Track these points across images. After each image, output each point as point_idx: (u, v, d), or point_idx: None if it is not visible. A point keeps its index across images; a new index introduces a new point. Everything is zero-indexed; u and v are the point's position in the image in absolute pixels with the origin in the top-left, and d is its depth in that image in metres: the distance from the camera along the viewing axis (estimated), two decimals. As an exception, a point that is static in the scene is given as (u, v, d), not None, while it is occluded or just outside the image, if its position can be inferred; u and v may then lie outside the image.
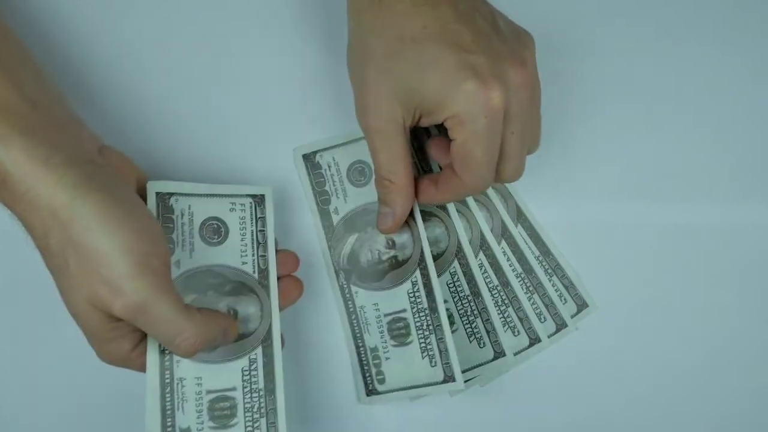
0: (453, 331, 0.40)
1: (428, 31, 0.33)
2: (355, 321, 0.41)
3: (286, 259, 0.39)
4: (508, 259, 0.43)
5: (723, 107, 0.45)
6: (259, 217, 0.38)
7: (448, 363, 0.39)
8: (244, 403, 0.36)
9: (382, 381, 0.40)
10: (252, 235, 0.38)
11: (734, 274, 0.44)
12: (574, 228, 0.44)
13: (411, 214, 0.40)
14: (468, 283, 0.42)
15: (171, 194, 0.37)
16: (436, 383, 0.39)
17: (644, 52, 0.45)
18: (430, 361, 0.39)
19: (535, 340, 0.42)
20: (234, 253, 0.38)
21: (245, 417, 0.36)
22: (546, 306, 0.43)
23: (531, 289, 0.43)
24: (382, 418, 0.42)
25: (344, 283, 0.41)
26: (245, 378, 0.36)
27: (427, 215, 0.42)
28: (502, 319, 0.42)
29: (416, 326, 0.40)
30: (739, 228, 0.43)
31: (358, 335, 0.41)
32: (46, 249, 0.31)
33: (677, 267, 0.44)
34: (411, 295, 0.40)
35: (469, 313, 0.42)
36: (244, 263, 0.38)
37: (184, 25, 0.43)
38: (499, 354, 0.42)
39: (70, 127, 0.34)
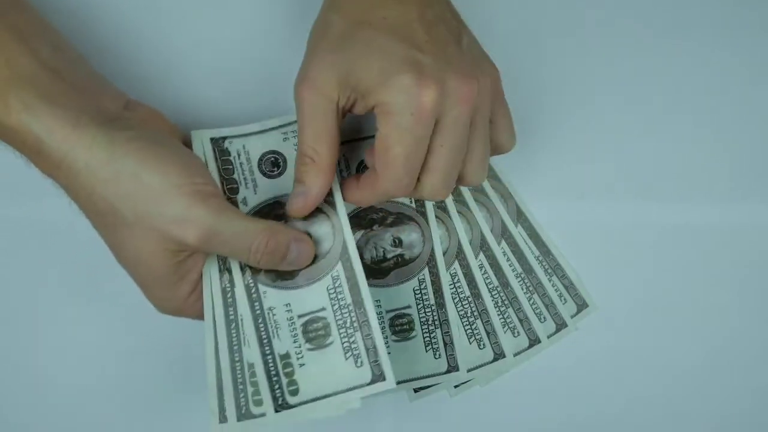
0: (412, 337, 0.40)
1: (387, 21, 0.33)
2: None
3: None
4: (508, 260, 0.43)
5: (723, 107, 0.45)
6: None
7: (452, 355, 0.39)
8: (336, 320, 0.36)
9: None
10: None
11: (734, 274, 0.44)
12: (574, 228, 0.44)
13: (424, 214, 0.41)
14: (468, 285, 0.43)
15: (224, 138, 0.39)
16: (440, 373, 0.40)
17: (644, 52, 0.45)
18: (435, 354, 0.40)
19: (535, 341, 0.42)
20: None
21: (340, 333, 0.36)
22: (546, 306, 0.43)
23: (531, 289, 0.43)
24: (382, 417, 0.42)
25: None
26: (332, 296, 0.37)
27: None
28: (502, 320, 0.42)
29: (421, 321, 0.40)
30: (739, 228, 0.43)
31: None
32: (93, 211, 0.32)
33: (677, 267, 0.44)
34: (417, 292, 0.40)
35: (469, 315, 0.42)
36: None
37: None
38: (499, 355, 0.42)
39: (93, 87, 0.34)
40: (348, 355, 0.37)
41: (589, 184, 0.44)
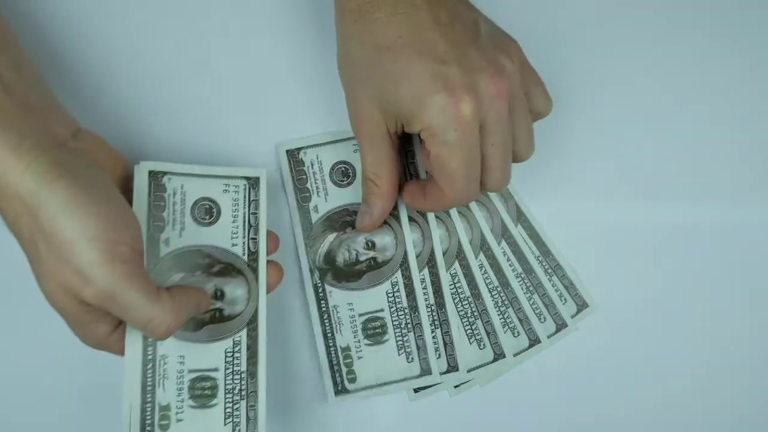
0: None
1: (403, 41, 0.33)
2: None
3: (269, 240, 0.39)
4: (508, 260, 0.43)
5: (723, 107, 0.45)
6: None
7: (425, 359, 0.40)
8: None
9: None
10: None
11: (734, 274, 0.44)
12: (574, 228, 0.44)
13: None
14: (468, 285, 0.43)
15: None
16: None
17: (644, 51, 0.45)
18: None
19: (535, 341, 0.43)
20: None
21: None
22: (546, 306, 0.43)
23: (531, 289, 0.43)
24: (381, 418, 0.42)
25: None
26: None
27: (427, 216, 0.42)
28: (502, 320, 0.43)
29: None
30: (739, 228, 0.43)
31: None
32: (19, 235, 0.32)
33: (677, 267, 0.44)
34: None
35: (469, 315, 0.42)
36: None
37: (179, 9, 0.43)
38: (499, 355, 0.42)
39: (43, 111, 0.34)
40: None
41: (589, 184, 0.44)
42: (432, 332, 0.41)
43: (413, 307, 0.41)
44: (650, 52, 0.45)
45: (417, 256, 0.42)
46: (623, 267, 0.44)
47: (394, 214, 0.41)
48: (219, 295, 0.37)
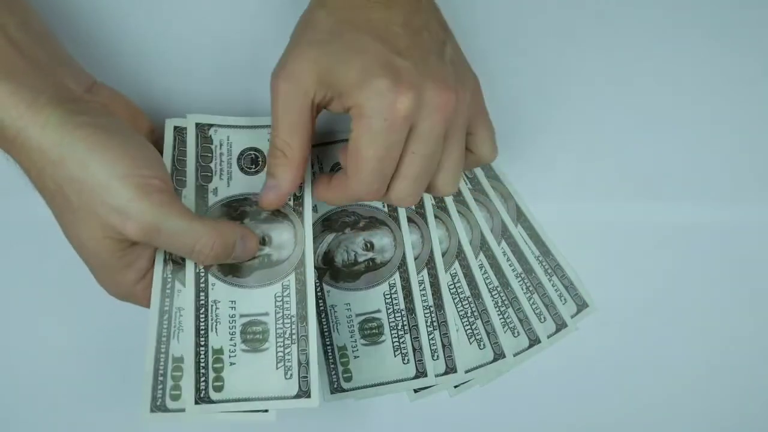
0: (381, 342, 0.41)
1: (371, 24, 0.33)
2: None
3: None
4: (508, 260, 0.43)
5: (723, 107, 0.45)
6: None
7: (421, 360, 0.40)
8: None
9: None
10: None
11: (734, 274, 0.44)
12: (574, 228, 0.44)
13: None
14: (468, 285, 0.43)
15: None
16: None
17: (644, 51, 0.45)
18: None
19: (535, 341, 0.43)
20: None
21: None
22: (546, 306, 0.43)
23: (531, 289, 0.43)
24: (382, 418, 0.42)
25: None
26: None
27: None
28: (502, 320, 0.43)
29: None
30: (739, 228, 0.43)
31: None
32: (44, 189, 0.32)
33: (677, 267, 0.44)
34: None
35: (469, 315, 0.42)
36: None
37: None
38: (499, 355, 0.42)
39: (56, 67, 0.34)
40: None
41: (589, 184, 0.44)
42: (429, 334, 0.41)
43: (410, 309, 0.41)
44: (650, 52, 0.45)
45: (416, 258, 0.42)
46: (623, 267, 0.44)
47: (393, 215, 0.41)
48: (266, 240, 0.38)
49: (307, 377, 0.36)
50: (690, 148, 0.45)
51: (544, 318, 0.43)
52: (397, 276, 0.41)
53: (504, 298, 0.43)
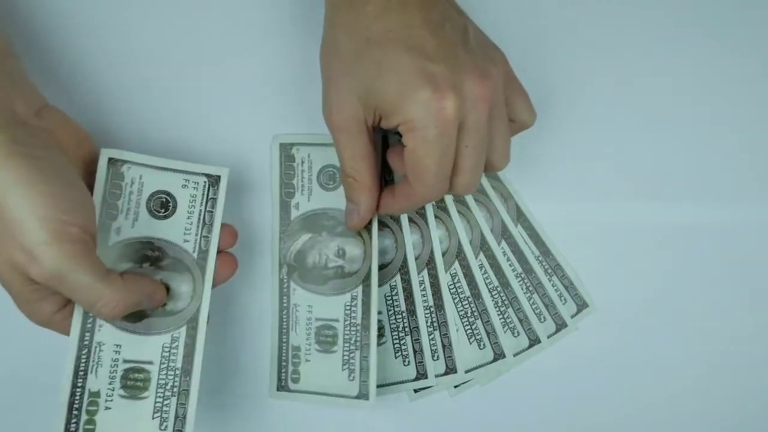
0: (381, 344, 0.41)
1: (393, 35, 0.33)
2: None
3: (225, 233, 0.39)
4: (508, 260, 0.43)
5: (723, 107, 0.45)
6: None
7: (365, 381, 0.39)
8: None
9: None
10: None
11: (734, 274, 0.44)
12: (574, 228, 0.44)
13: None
14: (468, 285, 0.43)
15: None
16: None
17: (644, 51, 0.45)
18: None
19: (535, 341, 0.43)
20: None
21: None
22: (546, 306, 0.43)
23: (531, 289, 0.43)
24: (381, 418, 0.42)
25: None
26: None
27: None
28: (502, 320, 0.43)
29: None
30: (739, 228, 0.43)
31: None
32: None
33: (677, 267, 0.44)
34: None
35: (469, 315, 0.42)
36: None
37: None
38: (499, 355, 0.42)
39: (7, 86, 0.34)
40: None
41: (589, 184, 0.44)
42: (430, 334, 0.41)
43: (411, 311, 0.41)
44: (651, 52, 0.45)
45: (416, 258, 0.42)
46: (623, 267, 0.44)
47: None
48: (341, 253, 0.40)
49: (366, 381, 0.38)
50: (690, 148, 0.45)
51: (544, 318, 0.43)
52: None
53: (504, 298, 0.43)
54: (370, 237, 0.41)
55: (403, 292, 0.41)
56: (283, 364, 0.40)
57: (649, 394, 0.43)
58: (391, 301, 0.41)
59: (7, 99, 0.33)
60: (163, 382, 0.36)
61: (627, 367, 0.43)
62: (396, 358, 0.41)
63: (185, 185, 0.38)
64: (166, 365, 0.36)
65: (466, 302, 0.43)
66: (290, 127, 0.43)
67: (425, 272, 0.42)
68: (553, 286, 0.44)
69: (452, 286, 0.43)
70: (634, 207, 0.44)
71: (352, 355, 0.40)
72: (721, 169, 0.45)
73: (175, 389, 0.36)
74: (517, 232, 0.44)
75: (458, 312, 0.43)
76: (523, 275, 0.43)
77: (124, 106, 0.42)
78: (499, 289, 0.43)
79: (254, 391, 0.42)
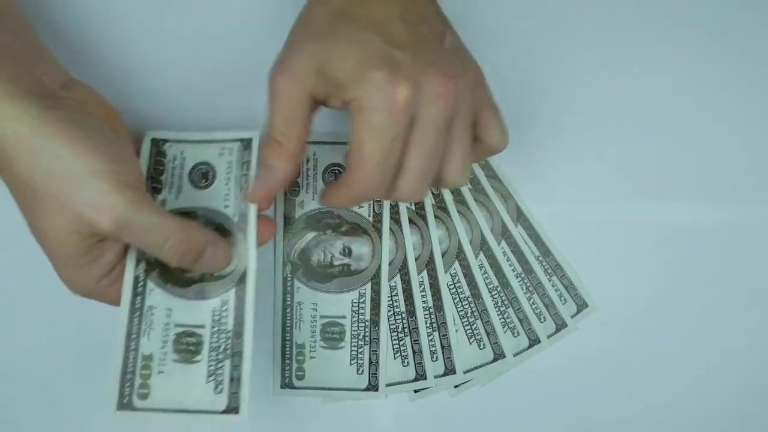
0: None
1: (370, 17, 0.33)
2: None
3: (265, 227, 0.39)
4: (508, 260, 0.43)
5: (723, 107, 0.45)
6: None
7: (375, 374, 0.40)
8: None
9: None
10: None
11: (734, 274, 0.44)
12: (574, 228, 0.44)
13: (378, 228, 0.41)
14: (468, 285, 0.43)
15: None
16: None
17: (644, 51, 0.45)
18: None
19: (534, 341, 0.43)
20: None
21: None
22: (546, 306, 0.43)
23: (531, 289, 0.43)
24: (381, 417, 0.42)
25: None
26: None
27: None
28: (502, 320, 0.43)
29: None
30: (739, 228, 0.43)
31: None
32: (11, 179, 0.32)
33: (677, 267, 0.44)
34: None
35: (469, 315, 0.42)
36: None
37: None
38: (499, 355, 0.42)
39: (32, 61, 0.34)
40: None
41: (589, 184, 0.44)
42: (429, 335, 0.41)
43: (411, 312, 0.41)
44: (650, 52, 0.45)
45: (416, 259, 0.42)
46: (623, 267, 0.44)
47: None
48: (347, 252, 0.40)
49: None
50: (690, 148, 0.45)
51: (544, 318, 0.43)
52: (368, 287, 0.41)
53: (504, 298, 0.43)
54: (379, 236, 0.41)
55: (403, 293, 0.41)
56: (287, 361, 0.41)
57: (649, 394, 0.43)
58: (390, 302, 0.41)
59: (36, 72, 0.34)
60: (215, 345, 0.36)
61: (627, 367, 0.43)
62: (395, 358, 0.41)
63: (222, 153, 0.39)
64: (217, 328, 0.36)
65: (466, 302, 0.43)
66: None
67: (425, 273, 0.42)
68: (553, 286, 0.44)
69: (452, 286, 0.43)
70: (634, 207, 0.44)
71: (360, 350, 0.40)
72: (721, 169, 0.45)
73: (227, 352, 0.36)
74: (517, 232, 0.44)
75: (458, 312, 0.43)
76: (523, 275, 0.43)
77: (137, 87, 0.43)
78: (499, 289, 0.43)
79: (257, 389, 0.41)
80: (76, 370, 0.42)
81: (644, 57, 0.45)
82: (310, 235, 0.42)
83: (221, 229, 0.38)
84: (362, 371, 0.40)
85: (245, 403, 0.35)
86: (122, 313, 0.36)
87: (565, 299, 0.44)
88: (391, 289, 0.42)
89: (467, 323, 0.42)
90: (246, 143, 0.39)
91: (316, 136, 0.42)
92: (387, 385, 0.41)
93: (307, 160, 0.42)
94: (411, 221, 0.42)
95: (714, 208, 0.44)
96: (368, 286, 0.41)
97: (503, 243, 0.44)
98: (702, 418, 0.43)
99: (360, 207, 0.42)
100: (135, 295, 0.36)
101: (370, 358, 0.40)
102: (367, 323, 0.41)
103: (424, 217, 0.43)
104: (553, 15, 0.45)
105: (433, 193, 0.43)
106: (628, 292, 0.44)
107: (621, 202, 0.44)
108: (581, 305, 0.44)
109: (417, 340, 0.41)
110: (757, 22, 0.45)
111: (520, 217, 0.44)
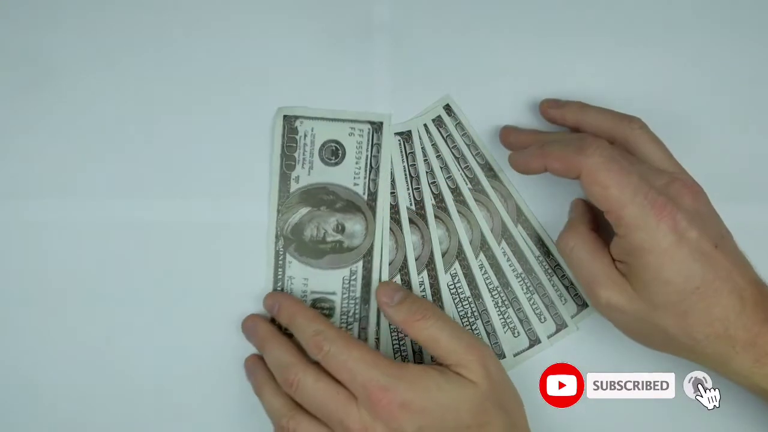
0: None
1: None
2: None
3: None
4: (508, 260, 0.44)
5: (723, 107, 0.45)
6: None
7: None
8: (342, 307, 0.41)
9: None
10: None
11: (734, 274, 0.44)
12: (574, 228, 0.44)
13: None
14: (468, 285, 0.43)
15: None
16: None
17: (644, 50, 0.45)
18: (403, 361, 0.40)
19: (535, 341, 0.43)
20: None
21: (341, 319, 0.41)
22: (546, 306, 0.43)
23: (531, 289, 0.43)
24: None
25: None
26: (345, 285, 0.41)
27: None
28: (502, 321, 0.43)
29: (342, 311, 0.41)
30: (739, 228, 0.43)
31: None
32: None
33: (677, 267, 0.44)
34: (345, 281, 0.41)
35: (469, 315, 0.43)
36: (355, 184, 0.42)
37: None
38: (499, 355, 0.42)
39: None
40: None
41: (589, 184, 0.44)
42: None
43: (365, 300, 0.42)
44: (650, 51, 0.45)
45: (416, 259, 0.42)
46: (623, 267, 0.44)
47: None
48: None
49: None
50: (689, 148, 0.45)
51: (545, 318, 0.43)
52: (359, 264, 0.41)
53: (504, 298, 0.43)
54: (374, 215, 0.42)
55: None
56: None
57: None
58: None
59: None
60: (345, 309, 0.41)
61: (627, 368, 0.43)
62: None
63: (351, 133, 0.42)
64: (347, 295, 0.41)
65: (466, 302, 0.43)
66: (295, 100, 0.43)
67: (425, 273, 0.42)
68: (553, 286, 0.44)
69: (452, 286, 0.43)
70: (634, 207, 0.44)
71: (350, 327, 0.41)
72: (722, 169, 0.44)
73: (356, 315, 0.41)
74: (517, 232, 0.44)
75: (458, 312, 0.43)
76: (523, 275, 0.43)
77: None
78: (499, 289, 0.43)
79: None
80: (77, 369, 0.42)
81: (643, 57, 0.45)
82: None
83: (350, 205, 0.41)
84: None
85: None
86: (267, 285, 0.41)
87: (565, 299, 0.44)
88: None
89: (467, 323, 0.42)
90: (377, 126, 0.41)
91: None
92: None
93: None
94: (411, 221, 0.42)
95: (714, 208, 0.44)
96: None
97: (503, 243, 0.44)
98: (702, 418, 0.43)
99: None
100: (276, 267, 0.41)
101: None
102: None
103: (424, 217, 0.43)
104: (553, 14, 0.45)
105: (433, 193, 0.43)
106: (628, 292, 0.43)
107: (621, 202, 0.44)
108: (581, 305, 0.44)
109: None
110: (758, 22, 0.45)
111: (520, 217, 0.44)
